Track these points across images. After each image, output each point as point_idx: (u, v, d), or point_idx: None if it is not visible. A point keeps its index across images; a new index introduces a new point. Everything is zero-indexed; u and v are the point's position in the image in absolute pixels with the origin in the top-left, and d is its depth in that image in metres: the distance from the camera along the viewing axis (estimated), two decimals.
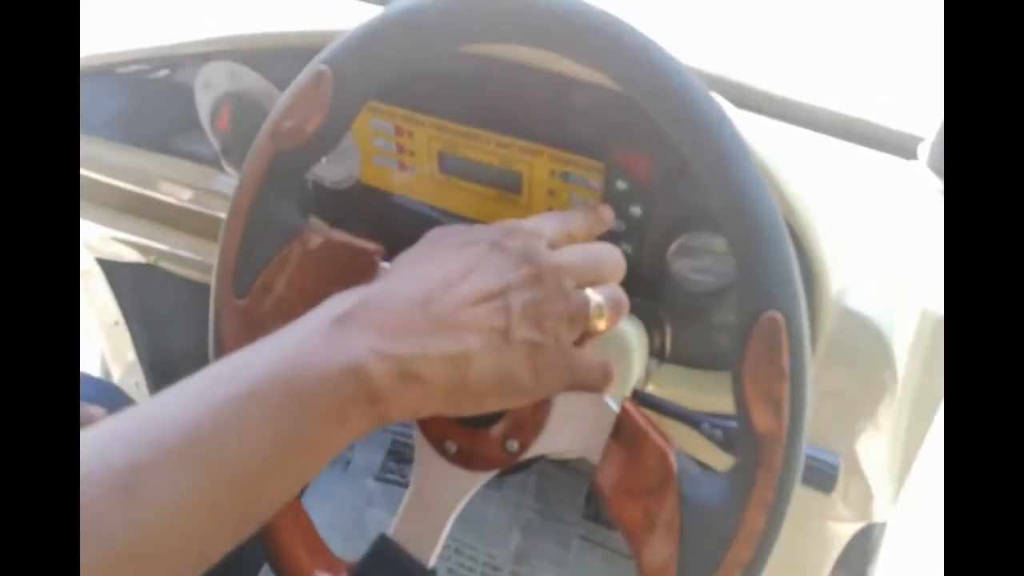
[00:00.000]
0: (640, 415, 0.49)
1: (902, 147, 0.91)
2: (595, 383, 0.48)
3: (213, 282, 0.55)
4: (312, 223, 0.78)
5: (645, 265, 0.65)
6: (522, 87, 0.61)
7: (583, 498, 1.08)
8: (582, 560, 1.03)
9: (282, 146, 0.51)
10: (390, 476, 1.10)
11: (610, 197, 0.62)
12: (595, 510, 1.06)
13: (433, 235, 0.50)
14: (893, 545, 0.91)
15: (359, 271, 0.52)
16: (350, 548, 0.55)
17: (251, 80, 0.72)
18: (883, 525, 0.81)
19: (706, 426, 0.62)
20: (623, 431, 0.48)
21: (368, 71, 0.51)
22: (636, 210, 0.62)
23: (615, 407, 0.49)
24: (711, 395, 0.70)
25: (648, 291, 0.68)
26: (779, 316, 0.41)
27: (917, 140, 0.91)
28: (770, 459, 0.42)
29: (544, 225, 0.50)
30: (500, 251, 0.46)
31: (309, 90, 0.51)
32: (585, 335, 0.48)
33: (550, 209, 0.67)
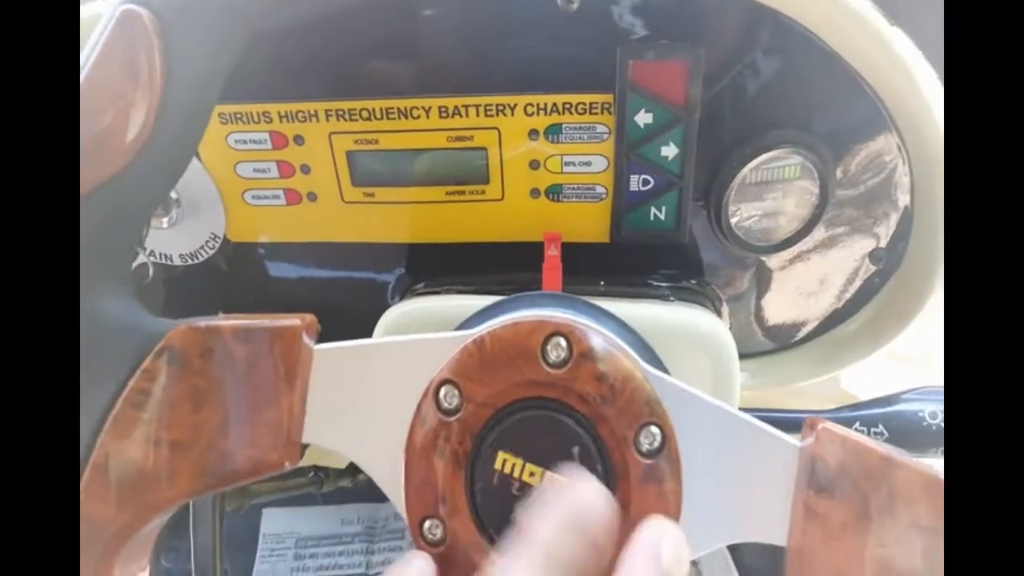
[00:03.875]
0: (842, 429, 0.28)
1: None
2: None
3: None
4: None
5: (689, 230, 0.46)
6: (464, 2, 0.40)
7: None
8: None
9: (84, 187, 0.28)
10: None
11: (627, 143, 0.42)
12: None
13: None
14: None
15: (279, 369, 0.29)
16: None
17: None
18: None
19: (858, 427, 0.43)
20: (832, 472, 0.26)
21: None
22: (669, 151, 0.43)
23: (792, 439, 0.28)
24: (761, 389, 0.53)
25: (695, 265, 0.48)
26: None
27: None
28: None
29: None
30: None
31: (110, 61, 0.27)
32: None
33: (535, 193, 0.45)
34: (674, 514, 0.27)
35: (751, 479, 0.27)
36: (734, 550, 1.02)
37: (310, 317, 0.30)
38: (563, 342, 0.28)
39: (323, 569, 1.05)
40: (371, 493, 1.08)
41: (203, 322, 0.29)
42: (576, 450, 0.28)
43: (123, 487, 0.28)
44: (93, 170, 0.27)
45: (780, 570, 0.77)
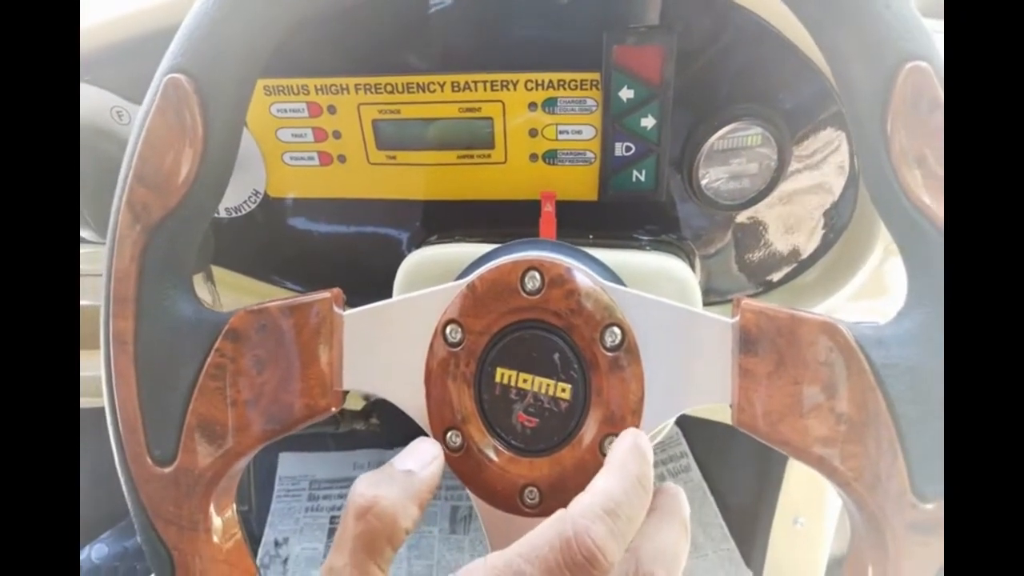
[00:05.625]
0: (759, 303, 0.35)
1: None
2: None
3: (115, 452, 0.36)
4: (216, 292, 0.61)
5: (666, 190, 0.53)
6: None
7: None
8: None
9: (151, 220, 0.35)
10: None
11: (612, 115, 0.50)
12: None
13: None
14: None
15: (318, 334, 0.36)
16: None
17: (89, 98, 0.52)
18: None
19: None
20: (754, 336, 0.34)
21: (246, 50, 0.35)
22: (648, 122, 0.50)
23: (725, 318, 0.35)
24: None
25: (672, 222, 0.56)
26: (927, 66, 0.31)
27: None
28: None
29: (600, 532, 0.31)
30: None
31: (163, 120, 0.34)
32: None
33: (533, 158, 0.53)
34: (639, 392, 0.35)
35: (698, 355, 0.35)
36: (717, 494, 1.10)
37: (337, 290, 0.37)
38: (536, 274, 0.36)
39: (335, 510, 1.13)
40: (380, 439, 1.16)
41: (256, 306, 0.36)
42: (556, 356, 0.36)
43: (211, 441, 0.36)
44: (158, 206, 0.34)
45: (761, 515, 0.84)
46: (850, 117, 0.33)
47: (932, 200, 0.31)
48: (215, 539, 0.36)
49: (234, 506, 0.38)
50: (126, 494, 0.36)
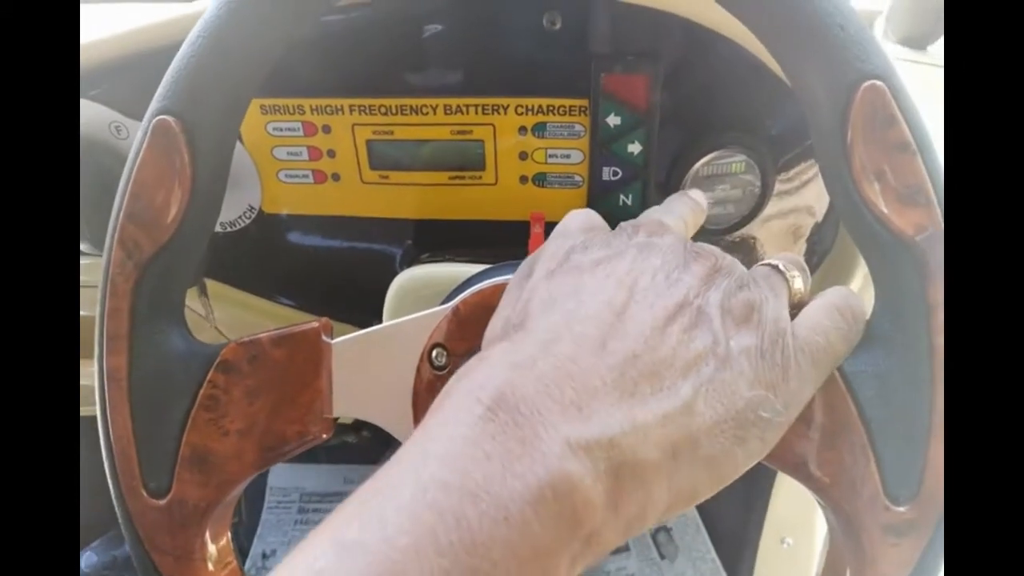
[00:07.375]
0: None
1: None
2: (853, 317, 0.33)
3: (111, 485, 0.37)
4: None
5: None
6: (467, 20, 0.49)
7: None
8: None
9: (142, 257, 0.35)
10: None
11: (600, 140, 0.51)
12: None
13: (533, 269, 0.35)
14: None
15: (308, 363, 0.37)
16: None
17: (88, 114, 0.54)
18: None
19: None
20: None
21: (232, 84, 0.36)
22: (634, 148, 0.51)
23: None
24: None
25: None
26: (881, 84, 0.32)
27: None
28: (932, 256, 0.31)
29: (658, 214, 0.39)
30: (653, 251, 0.32)
31: (153, 161, 0.35)
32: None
33: (523, 180, 0.54)
34: None
35: None
36: (704, 514, 1.11)
37: (325, 320, 0.38)
38: None
39: None
40: (372, 454, 1.16)
41: (247, 338, 0.37)
42: None
43: (205, 471, 0.36)
44: (149, 243, 0.35)
45: (748, 535, 0.85)
46: (814, 135, 0.34)
47: (892, 212, 0.32)
48: (210, 567, 0.37)
49: (228, 534, 0.39)
50: (122, 526, 0.37)
